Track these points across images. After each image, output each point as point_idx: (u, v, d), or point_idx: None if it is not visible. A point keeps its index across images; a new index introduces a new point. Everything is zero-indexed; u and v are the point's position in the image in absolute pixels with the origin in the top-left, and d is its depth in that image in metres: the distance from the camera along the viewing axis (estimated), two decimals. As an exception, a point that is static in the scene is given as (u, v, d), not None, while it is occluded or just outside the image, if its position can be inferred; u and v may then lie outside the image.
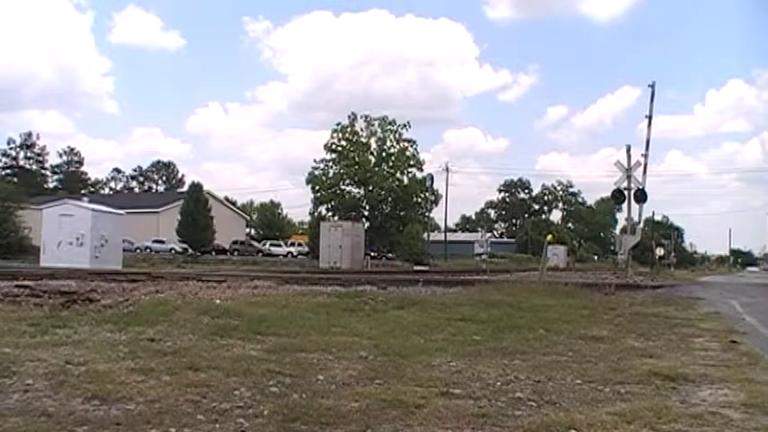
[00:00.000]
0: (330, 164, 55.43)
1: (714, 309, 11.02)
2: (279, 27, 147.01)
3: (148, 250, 48.03)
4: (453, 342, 6.54)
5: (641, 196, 24.52)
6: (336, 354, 5.61)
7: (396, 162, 55.43)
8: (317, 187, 54.30)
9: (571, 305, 10.49)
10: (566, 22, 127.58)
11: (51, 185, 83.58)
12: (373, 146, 56.29)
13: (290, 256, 54.67)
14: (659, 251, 55.96)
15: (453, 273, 28.12)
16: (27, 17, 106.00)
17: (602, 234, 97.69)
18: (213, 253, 48.18)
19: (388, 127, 56.09)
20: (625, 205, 25.20)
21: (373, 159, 55.56)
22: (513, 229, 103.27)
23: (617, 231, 61.30)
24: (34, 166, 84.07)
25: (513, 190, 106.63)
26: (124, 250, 30.58)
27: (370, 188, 54.31)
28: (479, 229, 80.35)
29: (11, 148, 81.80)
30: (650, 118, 25.37)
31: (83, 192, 68.77)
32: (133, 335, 6.05)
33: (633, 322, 8.75)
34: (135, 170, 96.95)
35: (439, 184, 63.21)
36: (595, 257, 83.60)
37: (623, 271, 24.76)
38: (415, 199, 56.18)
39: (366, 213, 54.92)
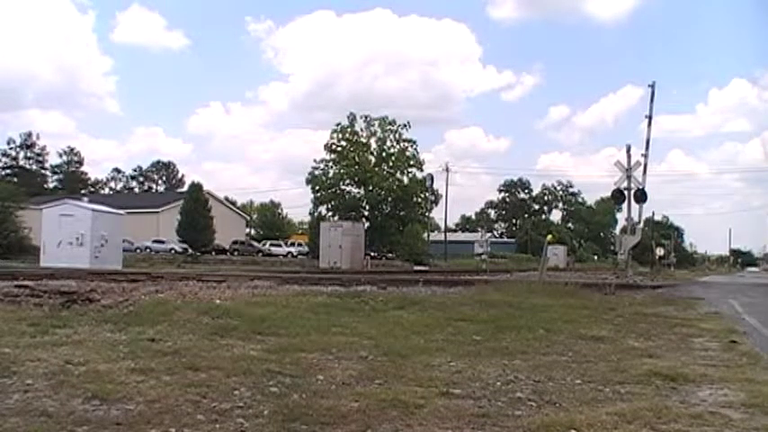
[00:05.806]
0: (330, 164, 55.41)
1: (714, 309, 11.02)
2: (281, 27, 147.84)
3: (148, 250, 48.01)
4: (453, 342, 6.54)
5: (641, 196, 24.53)
6: (336, 354, 5.61)
7: (396, 162, 55.41)
8: (317, 187, 54.26)
9: (571, 305, 10.48)
10: (569, 22, 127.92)
11: (51, 185, 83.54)
12: (373, 146, 56.27)
13: (290, 256, 54.69)
14: (659, 251, 56.01)
15: (453, 273, 28.09)
16: (28, 17, 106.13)
17: (602, 234, 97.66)
18: (213, 253, 48.07)
19: (388, 127, 56.09)
20: (625, 205, 25.20)
21: (373, 159, 55.52)
22: (513, 229, 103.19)
23: (617, 231, 61.23)
24: (34, 166, 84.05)
25: (514, 190, 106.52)
26: (124, 250, 30.53)
27: (370, 188, 54.27)
28: (479, 229, 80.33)
29: (11, 148, 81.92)
30: (650, 118, 25.46)
31: (83, 192, 68.74)
32: (133, 335, 6.05)
33: (633, 322, 8.75)
34: (135, 170, 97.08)
35: (439, 184, 63.34)
36: (595, 257, 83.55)
37: (623, 271, 24.78)
38: (415, 199, 56.10)
39: (366, 213, 54.84)
